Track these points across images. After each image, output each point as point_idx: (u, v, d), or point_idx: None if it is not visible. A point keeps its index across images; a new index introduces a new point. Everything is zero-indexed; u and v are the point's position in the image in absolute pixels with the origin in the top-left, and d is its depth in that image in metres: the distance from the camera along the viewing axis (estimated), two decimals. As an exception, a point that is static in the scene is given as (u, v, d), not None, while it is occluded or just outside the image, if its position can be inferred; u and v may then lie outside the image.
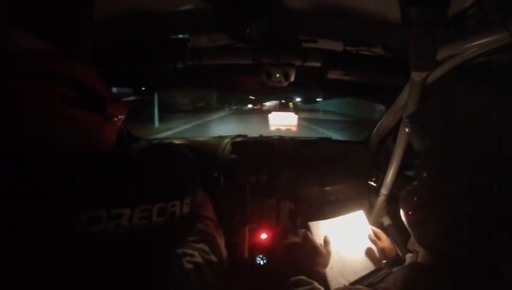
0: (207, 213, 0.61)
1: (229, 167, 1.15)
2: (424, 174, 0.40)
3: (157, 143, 1.49)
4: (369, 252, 0.86)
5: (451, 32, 0.66)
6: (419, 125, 0.41)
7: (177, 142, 1.42)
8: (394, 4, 0.55)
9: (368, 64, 0.99)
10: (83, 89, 0.41)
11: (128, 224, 0.38)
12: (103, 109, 0.44)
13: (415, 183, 0.43)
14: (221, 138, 1.44)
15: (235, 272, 0.62)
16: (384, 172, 1.07)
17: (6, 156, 0.33)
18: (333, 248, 0.83)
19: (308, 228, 0.90)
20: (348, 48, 0.93)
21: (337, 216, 0.96)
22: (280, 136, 1.46)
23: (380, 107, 1.37)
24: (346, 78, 1.02)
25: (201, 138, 1.49)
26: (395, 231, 1.05)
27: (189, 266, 0.48)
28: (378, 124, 1.25)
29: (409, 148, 0.95)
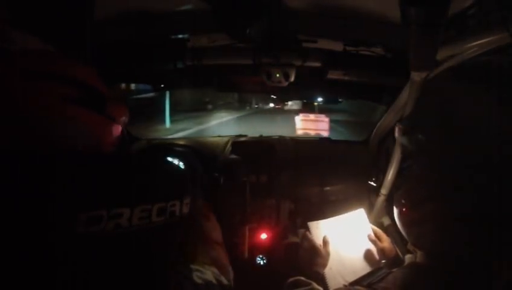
0: (216, 238, 0.63)
1: (229, 167, 1.15)
2: (418, 172, 0.40)
3: (157, 143, 1.49)
4: (368, 252, 0.86)
5: (451, 32, 0.66)
6: (416, 124, 0.41)
7: (177, 142, 1.42)
8: (394, 4, 0.55)
9: (368, 64, 0.99)
10: (83, 88, 0.41)
11: (128, 224, 0.38)
12: (104, 108, 0.44)
13: (409, 181, 0.43)
14: (221, 137, 1.44)
15: (235, 272, 0.63)
16: (384, 172, 1.07)
17: (6, 156, 0.33)
18: (332, 247, 0.82)
19: (307, 228, 0.90)
20: (348, 48, 0.93)
21: (337, 216, 0.96)
22: (280, 136, 1.46)
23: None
24: (346, 78, 1.02)
25: (201, 138, 1.49)
26: (395, 231, 1.05)
27: (200, 281, 0.49)
28: (378, 124, 1.25)
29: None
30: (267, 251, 1.13)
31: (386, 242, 0.85)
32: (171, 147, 1.32)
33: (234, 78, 1.21)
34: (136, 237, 0.39)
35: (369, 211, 1.20)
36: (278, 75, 1.02)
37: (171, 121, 9.82)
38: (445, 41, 0.66)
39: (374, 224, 1.00)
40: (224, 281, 0.55)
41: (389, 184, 1.04)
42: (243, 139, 1.41)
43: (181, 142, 1.39)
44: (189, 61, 1.00)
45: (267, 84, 1.06)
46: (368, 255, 0.85)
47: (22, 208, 0.32)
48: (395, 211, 0.46)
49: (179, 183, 0.49)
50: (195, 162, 1.06)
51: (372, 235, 0.88)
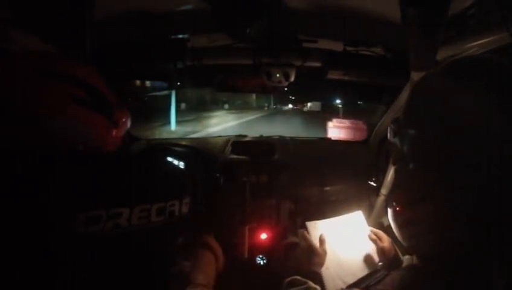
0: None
1: (229, 167, 1.15)
2: (413, 172, 0.39)
3: (157, 143, 1.49)
4: (366, 254, 0.85)
5: (451, 32, 0.66)
6: (408, 123, 0.40)
7: (177, 142, 1.42)
8: (394, 4, 0.55)
9: (368, 64, 0.99)
10: (83, 88, 0.41)
11: (127, 224, 0.38)
12: (104, 109, 0.44)
13: (403, 180, 0.43)
14: (221, 138, 1.44)
15: (235, 272, 0.62)
16: (384, 172, 1.07)
17: (6, 156, 0.33)
18: (330, 247, 0.82)
19: (305, 228, 0.90)
20: (348, 48, 0.93)
21: (337, 216, 0.96)
22: (280, 136, 1.46)
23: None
24: (346, 78, 1.02)
25: (201, 138, 1.49)
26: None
27: None
28: (378, 124, 1.25)
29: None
30: (267, 251, 1.13)
31: (387, 242, 0.85)
32: (170, 147, 1.32)
33: (234, 78, 1.21)
34: (136, 236, 0.39)
35: (369, 211, 1.20)
36: (278, 75, 1.02)
37: (186, 121, 9.84)
38: (445, 41, 0.66)
39: (373, 224, 1.00)
40: None
41: (389, 184, 1.04)
42: (243, 139, 1.41)
43: (181, 143, 1.39)
44: (189, 61, 1.00)
45: (267, 84, 1.06)
46: (366, 257, 0.85)
47: (22, 208, 0.32)
48: (389, 211, 0.45)
49: (178, 183, 0.49)
50: (195, 163, 1.07)
51: (373, 234, 0.88)
